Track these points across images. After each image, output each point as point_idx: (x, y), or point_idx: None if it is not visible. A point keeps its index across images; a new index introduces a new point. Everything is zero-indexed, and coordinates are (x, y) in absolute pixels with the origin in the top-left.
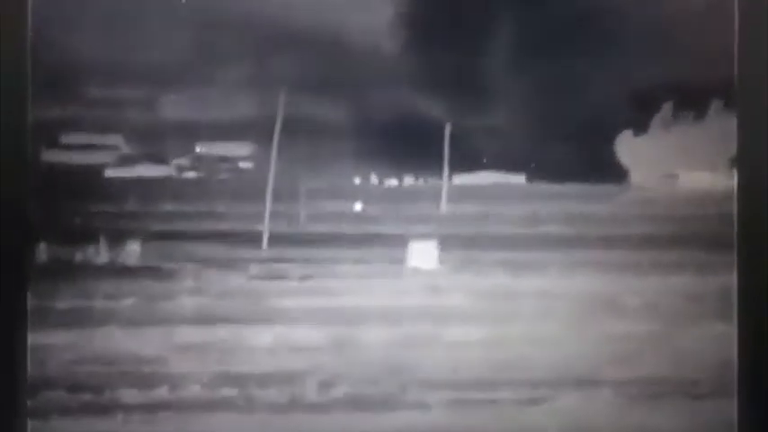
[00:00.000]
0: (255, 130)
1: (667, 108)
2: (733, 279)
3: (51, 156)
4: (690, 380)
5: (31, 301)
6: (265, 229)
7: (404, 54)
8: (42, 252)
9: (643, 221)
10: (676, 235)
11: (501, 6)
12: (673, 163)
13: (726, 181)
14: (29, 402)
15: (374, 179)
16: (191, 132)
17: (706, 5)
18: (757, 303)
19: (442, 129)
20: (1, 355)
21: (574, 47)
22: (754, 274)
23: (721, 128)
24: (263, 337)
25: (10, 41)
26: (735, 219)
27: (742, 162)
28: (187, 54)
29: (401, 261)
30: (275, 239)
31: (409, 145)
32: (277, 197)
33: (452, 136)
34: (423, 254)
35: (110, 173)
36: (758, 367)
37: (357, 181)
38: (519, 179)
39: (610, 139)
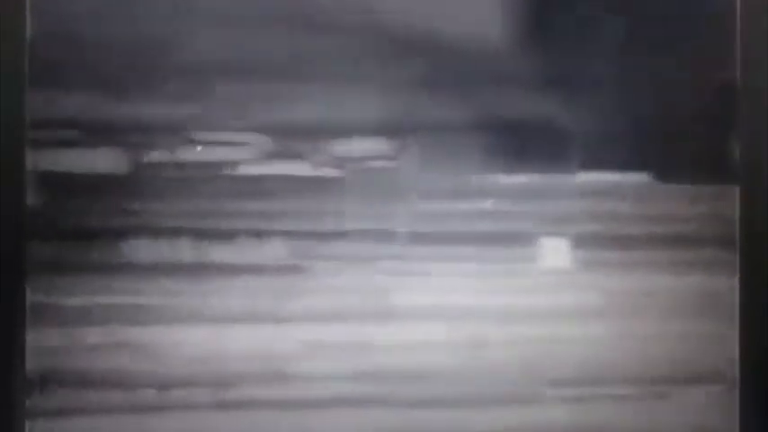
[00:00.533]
0: (387, 129)
1: None
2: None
3: (189, 153)
4: None
5: (167, 297)
6: (398, 226)
7: (523, 53)
8: (185, 249)
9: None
10: None
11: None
12: None
13: None
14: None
15: (505, 176)
16: (326, 130)
17: None
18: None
19: (567, 128)
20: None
21: (689, 42)
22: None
23: None
24: (394, 334)
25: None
26: (737, 217)
27: (743, 160)
28: (314, 54)
29: (532, 259)
30: (408, 237)
31: (535, 143)
32: (410, 195)
33: (578, 134)
34: (553, 251)
35: (244, 170)
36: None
37: (489, 178)
38: (642, 178)
39: (728, 137)
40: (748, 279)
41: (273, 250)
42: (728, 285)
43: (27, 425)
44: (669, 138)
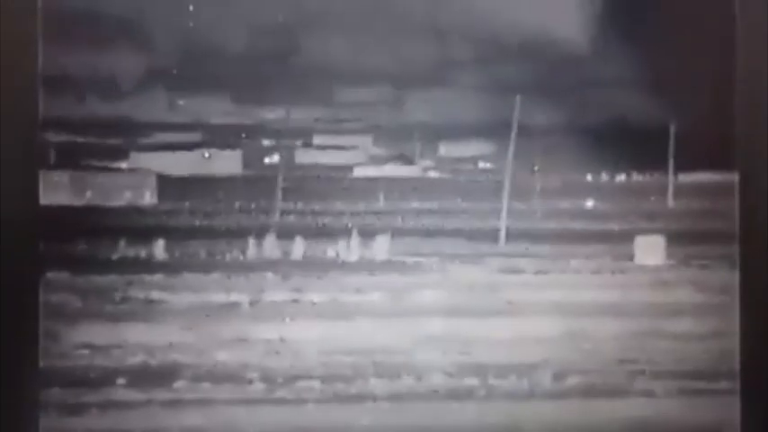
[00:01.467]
0: (492, 132)
1: None
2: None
3: (305, 156)
4: None
5: (286, 294)
6: (503, 225)
7: (617, 55)
8: (299, 246)
9: None
10: None
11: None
12: None
13: None
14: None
15: (604, 176)
16: (434, 133)
17: None
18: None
19: (665, 127)
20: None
21: None
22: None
23: None
24: (500, 328)
25: None
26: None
27: (742, 158)
28: (426, 58)
29: (629, 257)
30: (512, 236)
31: (634, 143)
32: (513, 195)
33: (676, 135)
34: (650, 248)
35: (358, 172)
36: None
37: (588, 178)
38: (734, 177)
39: None
40: None
41: (384, 247)
42: None
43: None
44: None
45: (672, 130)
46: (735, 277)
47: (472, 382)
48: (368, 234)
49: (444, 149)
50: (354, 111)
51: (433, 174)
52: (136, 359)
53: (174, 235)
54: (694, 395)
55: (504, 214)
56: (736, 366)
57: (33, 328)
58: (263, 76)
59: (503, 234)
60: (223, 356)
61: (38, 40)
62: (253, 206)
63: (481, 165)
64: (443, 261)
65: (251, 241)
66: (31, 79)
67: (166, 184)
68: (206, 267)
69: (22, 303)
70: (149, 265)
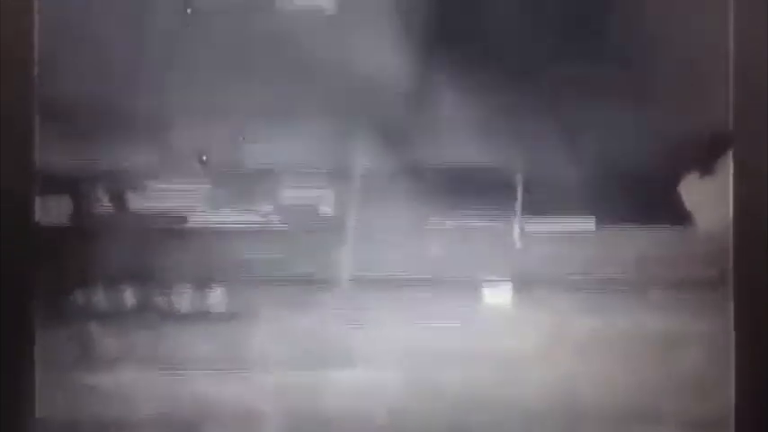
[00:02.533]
0: (332, 177)
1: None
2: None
3: (138, 202)
4: None
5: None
6: (344, 272)
7: (458, 99)
8: (129, 298)
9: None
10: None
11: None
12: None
13: None
14: None
15: (438, 221)
16: (273, 179)
17: None
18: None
19: (506, 174)
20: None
21: (635, 88)
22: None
23: None
24: (340, 380)
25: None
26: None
27: (738, 167)
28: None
29: (477, 301)
30: (353, 283)
31: (474, 190)
32: (358, 241)
33: (520, 181)
34: (496, 294)
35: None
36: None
37: (427, 224)
38: (588, 224)
39: (674, 183)
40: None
41: (219, 298)
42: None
43: None
44: (612, 185)
45: (519, 179)
46: (576, 321)
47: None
48: (202, 285)
49: (283, 195)
50: (190, 155)
51: (274, 220)
52: None
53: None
54: None
55: (343, 261)
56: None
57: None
58: (106, 119)
59: (343, 282)
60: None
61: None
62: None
63: (322, 210)
64: (281, 311)
65: (81, 292)
66: None
67: None
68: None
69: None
70: None
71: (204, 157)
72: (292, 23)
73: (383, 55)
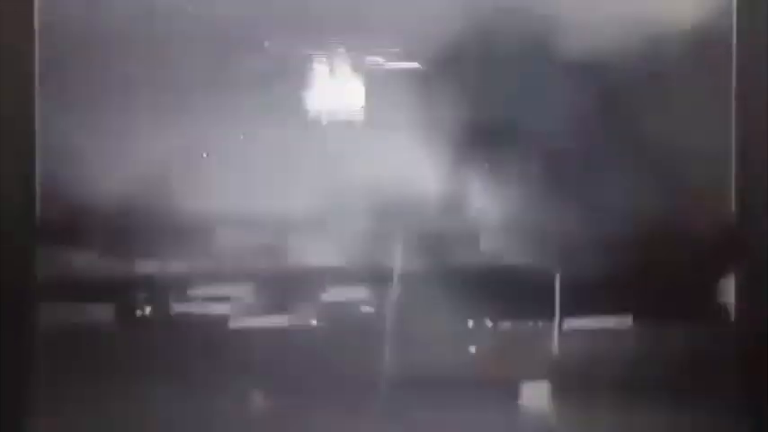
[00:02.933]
0: (372, 277)
1: None
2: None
3: (181, 308)
4: None
5: None
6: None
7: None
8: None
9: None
10: None
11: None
12: None
13: None
14: None
15: (488, 322)
16: (315, 280)
17: None
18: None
19: (549, 274)
20: None
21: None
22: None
23: None
24: None
25: None
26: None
27: (741, 163)
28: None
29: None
30: (396, 385)
31: (519, 290)
32: (397, 341)
33: (561, 281)
34: (534, 394)
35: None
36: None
37: (470, 324)
38: (626, 322)
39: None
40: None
41: (261, 400)
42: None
43: None
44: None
45: (557, 279)
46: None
47: None
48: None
49: (326, 295)
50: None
51: (312, 322)
52: None
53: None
54: None
55: (384, 360)
56: None
57: None
58: (137, 228)
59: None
60: None
61: None
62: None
63: (363, 309)
64: (326, 413)
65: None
66: None
67: None
68: None
69: None
70: None
71: (205, 155)
72: (325, 133)
73: (416, 160)
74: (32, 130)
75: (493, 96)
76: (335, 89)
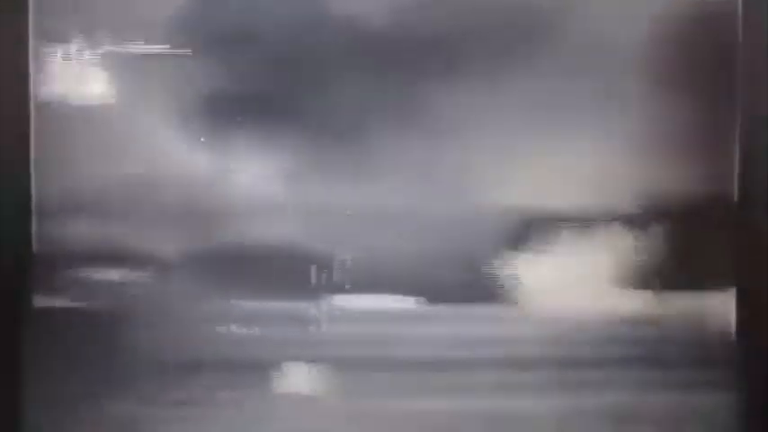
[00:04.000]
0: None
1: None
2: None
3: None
4: None
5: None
6: None
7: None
8: None
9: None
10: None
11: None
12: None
13: None
14: None
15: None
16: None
17: None
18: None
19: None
20: None
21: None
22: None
23: None
24: None
25: None
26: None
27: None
28: None
29: (274, 386)
30: None
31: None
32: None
33: (340, 257)
34: (298, 377)
35: None
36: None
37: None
38: (411, 302)
39: (493, 260)
40: None
41: None
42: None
43: None
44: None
45: (337, 256)
46: (398, 403)
47: None
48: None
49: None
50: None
51: None
52: None
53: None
54: None
55: None
56: None
57: None
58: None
59: None
60: None
61: None
62: None
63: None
64: None
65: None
66: None
67: None
68: None
69: None
70: None
71: (202, 139)
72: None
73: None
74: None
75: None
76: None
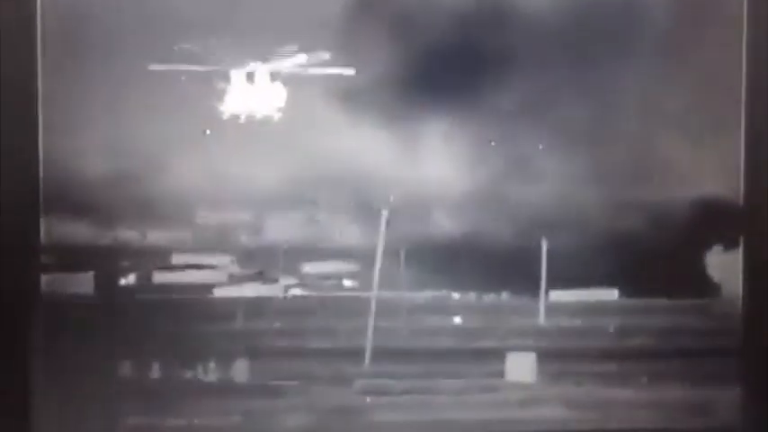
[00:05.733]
0: (358, 250)
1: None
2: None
3: (162, 277)
4: None
5: (142, 419)
6: (369, 344)
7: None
8: (156, 370)
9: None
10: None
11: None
12: None
13: None
14: None
15: (472, 295)
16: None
17: None
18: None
19: (537, 246)
20: None
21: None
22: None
23: None
24: None
25: None
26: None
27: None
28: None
29: (500, 374)
30: (378, 355)
31: (505, 262)
32: (380, 313)
33: (548, 252)
34: (520, 366)
35: (218, 292)
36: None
37: (456, 296)
38: (612, 295)
39: (700, 255)
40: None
41: (243, 370)
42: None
43: None
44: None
45: (544, 248)
46: (602, 391)
47: None
48: (228, 356)
49: (308, 268)
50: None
51: (296, 292)
52: None
53: None
54: None
55: (369, 333)
56: None
57: None
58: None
59: (368, 354)
60: None
61: None
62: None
63: (346, 283)
64: (306, 383)
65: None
66: None
67: None
68: None
69: None
70: None
71: (207, 131)
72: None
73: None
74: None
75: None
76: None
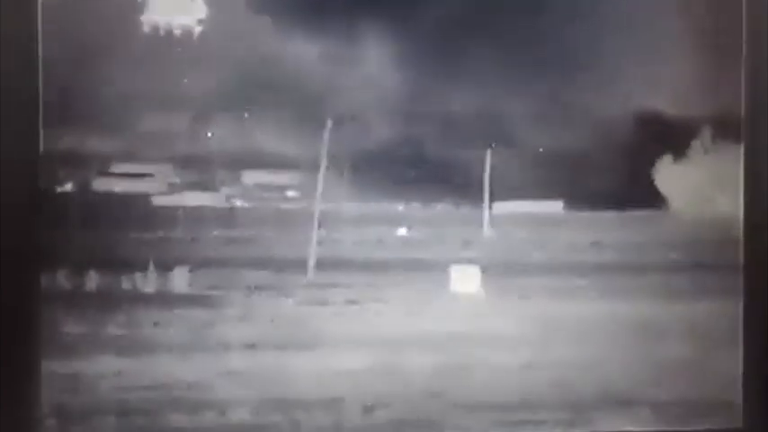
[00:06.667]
0: (301, 161)
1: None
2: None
3: (102, 184)
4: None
5: (80, 328)
6: (311, 255)
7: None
8: (91, 280)
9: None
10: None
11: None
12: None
13: None
14: (77, 428)
15: (417, 205)
16: (237, 162)
17: None
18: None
19: (480, 156)
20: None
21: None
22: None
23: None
24: (307, 362)
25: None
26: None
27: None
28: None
29: (444, 285)
30: (321, 266)
31: (449, 172)
32: (323, 224)
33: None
34: (464, 278)
35: (158, 201)
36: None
37: (400, 207)
38: (556, 207)
39: (647, 166)
40: None
41: (183, 280)
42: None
43: None
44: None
45: (488, 158)
46: (548, 306)
47: (277, 417)
48: (166, 266)
49: (249, 178)
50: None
51: (237, 202)
52: None
53: None
54: (512, 426)
55: (313, 244)
56: (556, 395)
57: None
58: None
59: (311, 264)
60: None
61: None
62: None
63: (289, 194)
64: (246, 293)
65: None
66: None
67: None
68: None
69: None
70: None
71: (210, 134)
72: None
73: None
74: None
75: None
76: None
